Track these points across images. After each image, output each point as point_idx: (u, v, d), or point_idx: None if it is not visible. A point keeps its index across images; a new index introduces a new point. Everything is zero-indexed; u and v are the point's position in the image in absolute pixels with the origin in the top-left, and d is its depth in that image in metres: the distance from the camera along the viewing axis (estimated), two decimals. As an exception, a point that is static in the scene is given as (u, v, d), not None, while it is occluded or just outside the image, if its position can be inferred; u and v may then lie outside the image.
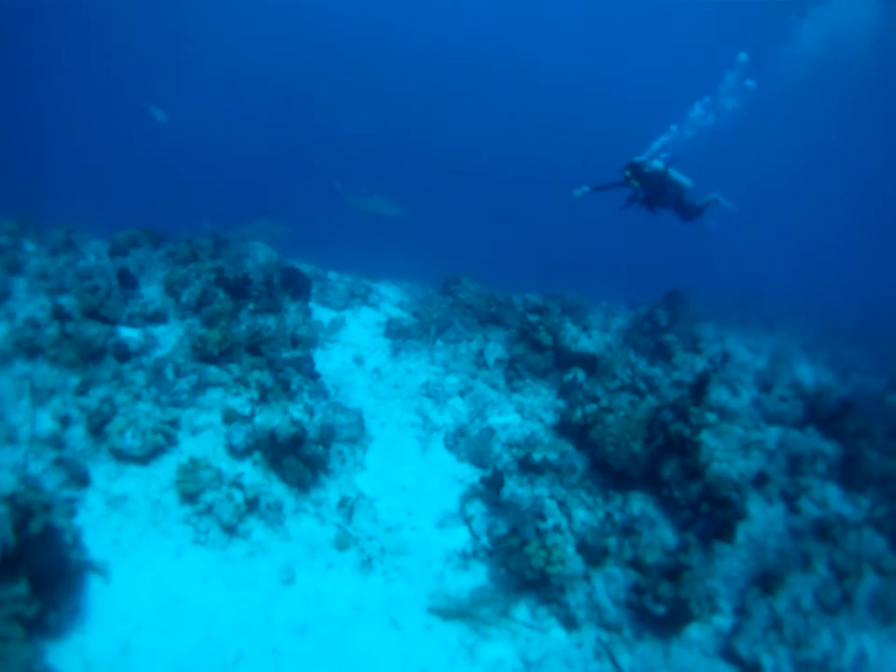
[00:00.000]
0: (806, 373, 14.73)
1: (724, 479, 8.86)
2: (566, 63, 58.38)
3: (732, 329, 16.54)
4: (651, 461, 9.12)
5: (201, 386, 9.45)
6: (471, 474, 9.66)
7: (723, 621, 8.16)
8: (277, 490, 8.49)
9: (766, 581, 8.46)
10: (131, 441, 8.25)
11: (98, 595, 6.86)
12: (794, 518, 9.56)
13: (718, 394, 11.49)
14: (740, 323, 17.34)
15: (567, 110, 58.49)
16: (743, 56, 15.00)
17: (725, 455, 9.93)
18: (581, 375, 11.32)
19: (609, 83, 58.15)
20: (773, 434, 11.13)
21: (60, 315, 9.51)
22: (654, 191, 12.90)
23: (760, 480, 9.87)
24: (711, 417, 9.71)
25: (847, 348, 17.99)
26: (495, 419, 10.69)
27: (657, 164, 12.83)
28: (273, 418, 8.85)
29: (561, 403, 11.02)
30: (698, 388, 9.58)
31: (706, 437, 9.29)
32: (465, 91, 59.29)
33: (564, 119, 57.87)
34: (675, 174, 12.84)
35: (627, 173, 12.80)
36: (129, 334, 10.09)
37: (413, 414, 10.76)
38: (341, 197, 13.88)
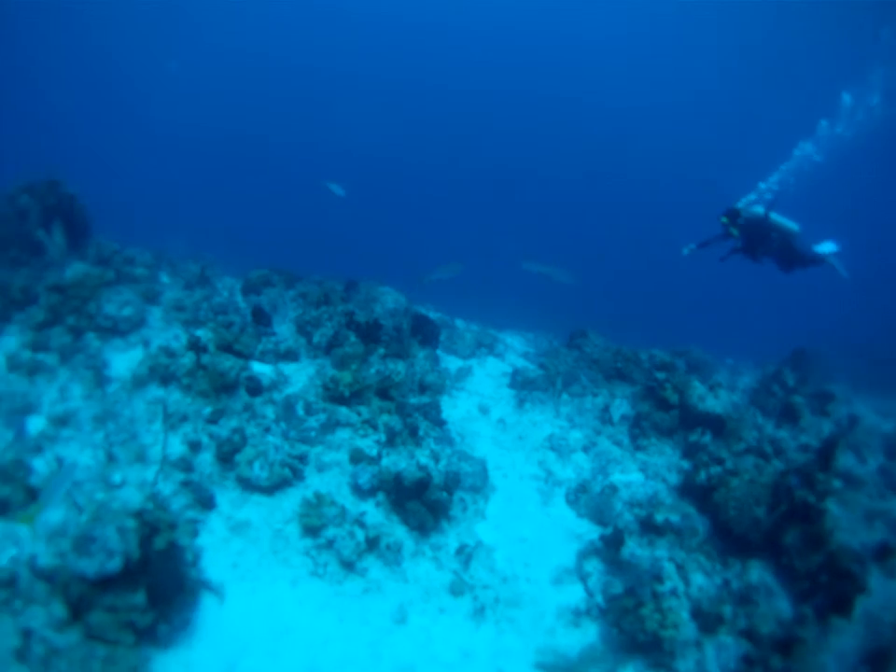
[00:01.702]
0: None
1: (847, 549, 8.42)
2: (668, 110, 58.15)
3: (860, 389, 15.83)
4: (773, 527, 8.74)
5: (330, 425, 9.52)
6: (590, 531, 9.41)
7: (831, 698, 7.71)
8: (398, 532, 8.43)
9: (879, 660, 7.97)
10: (258, 472, 8.36)
11: (210, 613, 6.93)
12: (916, 592, 8.94)
13: (845, 459, 10.96)
14: (869, 383, 16.61)
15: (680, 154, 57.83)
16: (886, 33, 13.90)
17: (849, 524, 9.45)
18: (706, 436, 10.94)
19: (717, 123, 57.27)
20: (900, 504, 10.55)
21: (196, 346, 9.73)
22: (756, 239, 12.09)
23: (882, 552, 9.27)
24: (837, 484, 9.31)
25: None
26: (617, 477, 10.39)
27: (757, 209, 12.04)
28: (399, 461, 8.85)
29: (685, 464, 10.65)
30: (825, 454, 9.24)
31: (830, 505, 8.87)
32: (585, 142, 59.42)
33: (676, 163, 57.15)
34: (778, 218, 12.00)
35: (724, 220, 12.05)
36: (261, 370, 10.27)
37: (535, 467, 10.57)
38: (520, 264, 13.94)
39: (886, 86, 13.34)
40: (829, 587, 8.18)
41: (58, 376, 9.52)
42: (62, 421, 8.73)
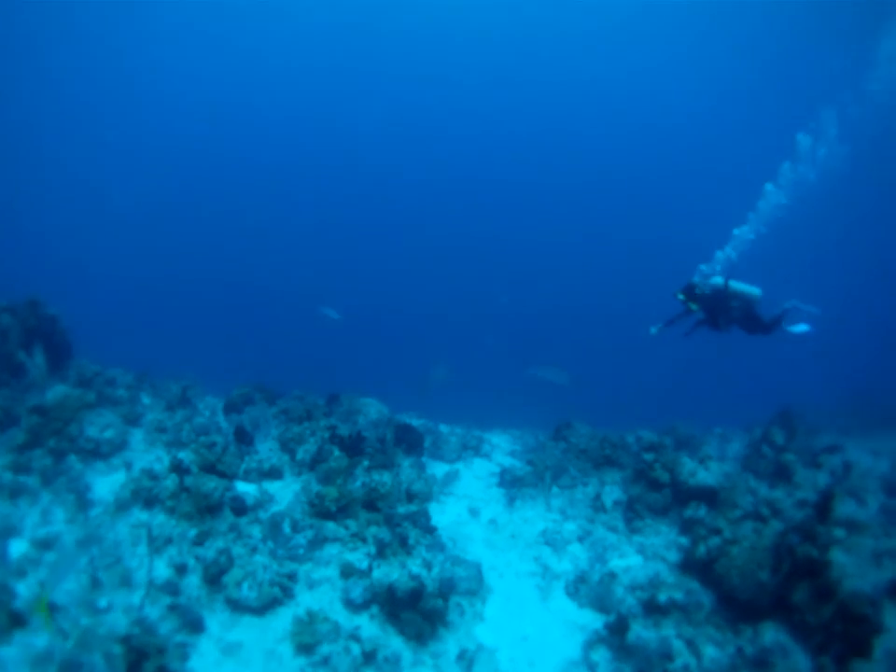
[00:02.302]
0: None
1: (858, 595, 8.25)
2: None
3: (850, 434, 15.85)
4: (779, 588, 8.66)
5: (318, 541, 9.44)
6: (594, 620, 9.21)
7: (864, 743, 7.46)
8: (395, 643, 8.22)
9: None
10: (247, 593, 8.24)
11: (206, 742, 6.67)
12: (933, 624, 8.78)
13: (844, 507, 10.81)
14: (859, 427, 16.63)
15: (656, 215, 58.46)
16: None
17: (857, 569, 9.12)
18: (701, 510, 10.89)
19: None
20: (905, 539, 10.43)
21: (178, 468, 9.77)
22: (718, 310, 12.10)
23: (894, 589, 9.06)
24: (839, 533, 9.32)
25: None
26: (616, 562, 10.29)
27: (717, 280, 12.06)
28: (391, 573, 8.73)
29: (683, 540, 10.57)
30: (823, 506, 9.28)
31: (835, 554, 8.78)
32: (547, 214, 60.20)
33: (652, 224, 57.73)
34: (738, 285, 12.02)
35: (681, 296, 12.10)
36: (245, 489, 10.25)
37: (531, 563, 10.43)
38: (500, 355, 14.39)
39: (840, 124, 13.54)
40: (844, 635, 8.03)
41: (40, 499, 9.56)
42: (45, 545, 8.70)
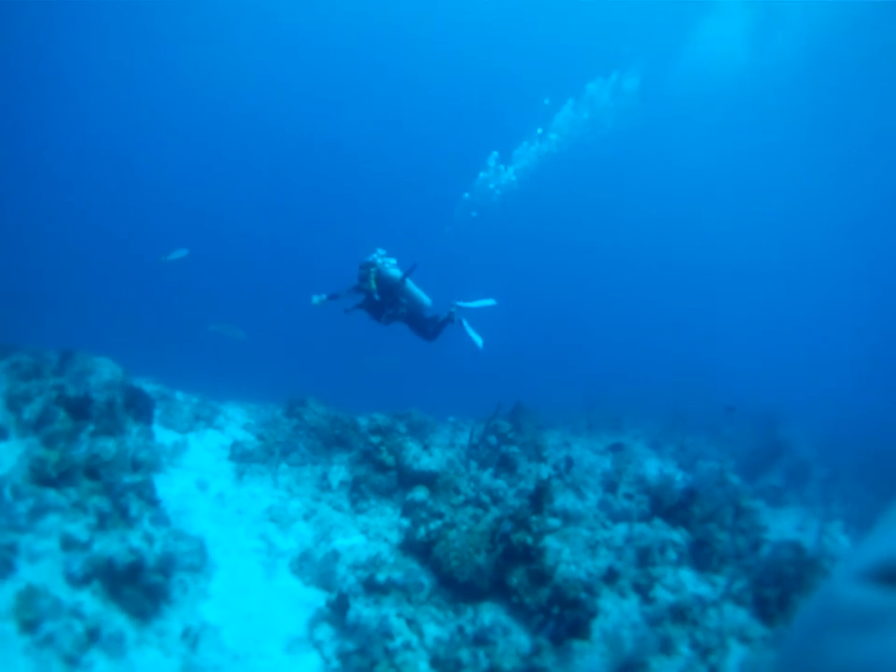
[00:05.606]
0: (653, 467, 15.50)
1: (572, 580, 9.18)
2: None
3: (579, 434, 17.25)
4: (497, 571, 9.36)
5: (39, 510, 9.13)
6: (318, 598, 9.64)
7: (591, 716, 8.22)
8: (118, 620, 8.24)
9: (627, 670, 8.63)
10: (-32, 567, 7.92)
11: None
12: (649, 607, 9.82)
13: (564, 498, 11.94)
14: (588, 427, 18.05)
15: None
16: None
17: (572, 557, 10.07)
18: (423, 493, 11.53)
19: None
20: (620, 531, 11.54)
21: None
22: (388, 300, 12.37)
23: (610, 576, 10.12)
24: (555, 522, 10.26)
25: (692, 437, 18.99)
26: (340, 541, 10.73)
27: (395, 273, 12.37)
28: (110, 546, 8.70)
29: (406, 522, 11.10)
30: (537, 497, 9.96)
31: (550, 542, 9.66)
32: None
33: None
34: (412, 286, 12.49)
35: (372, 269, 12.22)
36: (-32, 453, 9.75)
37: (257, 540, 10.72)
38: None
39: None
40: (561, 617, 8.83)
41: None
42: None
